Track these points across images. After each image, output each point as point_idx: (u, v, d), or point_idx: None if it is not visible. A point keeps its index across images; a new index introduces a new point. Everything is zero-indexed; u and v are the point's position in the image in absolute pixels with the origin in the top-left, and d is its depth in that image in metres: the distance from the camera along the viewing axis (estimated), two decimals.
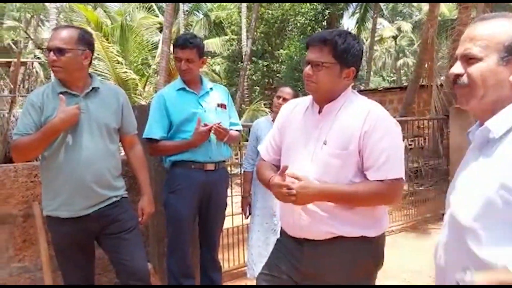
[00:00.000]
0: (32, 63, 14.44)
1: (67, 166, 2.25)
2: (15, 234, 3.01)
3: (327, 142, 1.75)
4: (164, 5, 16.80)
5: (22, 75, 13.50)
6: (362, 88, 18.65)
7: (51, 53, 2.21)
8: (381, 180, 1.70)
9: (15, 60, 7.50)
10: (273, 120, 3.35)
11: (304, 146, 1.81)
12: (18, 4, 19.78)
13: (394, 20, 35.18)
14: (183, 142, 2.86)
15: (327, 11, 18.29)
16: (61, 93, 2.27)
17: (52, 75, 14.06)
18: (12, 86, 6.22)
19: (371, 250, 1.80)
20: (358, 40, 1.82)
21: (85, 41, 2.29)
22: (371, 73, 28.10)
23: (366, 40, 26.01)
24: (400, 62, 36.73)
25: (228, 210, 3.35)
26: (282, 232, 1.94)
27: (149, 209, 2.54)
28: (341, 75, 1.77)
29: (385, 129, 1.72)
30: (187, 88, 2.96)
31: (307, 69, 1.78)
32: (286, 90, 3.50)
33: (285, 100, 3.29)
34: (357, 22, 23.13)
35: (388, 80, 38.31)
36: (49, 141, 2.23)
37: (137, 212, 2.55)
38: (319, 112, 1.83)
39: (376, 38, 27.95)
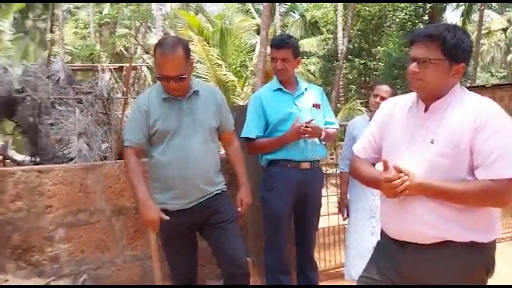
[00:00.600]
0: (141, 67, 15.61)
1: (176, 164, 2.43)
2: (128, 224, 3.30)
3: (435, 141, 1.69)
4: (261, 7, 17.16)
5: (132, 79, 14.63)
6: (468, 84, 17.40)
7: (171, 81, 2.34)
8: (492, 180, 1.61)
9: (127, 64, 8.19)
10: (370, 119, 3.28)
11: (407, 145, 1.76)
12: (129, 13, 21.46)
13: (504, 11, 32.29)
14: (277, 138, 2.92)
15: (429, 5, 17.34)
16: (165, 98, 2.44)
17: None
18: (124, 89, 6.82)
19: (482, 257, 1.70)
20: (468, 34, 1.73)
21: (188, 52, 2.42)
22: (478, 68, 26.11)
23: (472, 34, 24.20)
24: (511, 56, 33.67)
25: (323, 210, 3.35)
26: (383, 234, 1.90)
27: (247, 200, 2.66)
28: (450, 71, 1.70)
29: (497, 126, 1.63)
30: (283, 89, 3.01)
31: (413, 66, 1.72)
32: (384, 88, 3.40)
33: (382, 98, 3.21)
34: (462, 15, 21.65)
35: (497, 76, 35.32)
36: None
37: (236, 204, 2.67)
38: (425, 110, 1.77)
39: (483, 31, 25.93)
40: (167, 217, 2.40)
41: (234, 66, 15.48)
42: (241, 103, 13.14)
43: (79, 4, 23.92)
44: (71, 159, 5.31)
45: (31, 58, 18.10)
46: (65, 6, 22.23)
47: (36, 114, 5.39)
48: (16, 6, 20.98)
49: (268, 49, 11.86)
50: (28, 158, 6.57)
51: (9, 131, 9.17)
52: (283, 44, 2.94)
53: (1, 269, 2.95)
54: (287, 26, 23.00)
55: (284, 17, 23.62)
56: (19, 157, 7.04)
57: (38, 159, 5.63)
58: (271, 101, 2.98)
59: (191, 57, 2.48)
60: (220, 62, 14.13)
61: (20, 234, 3.01)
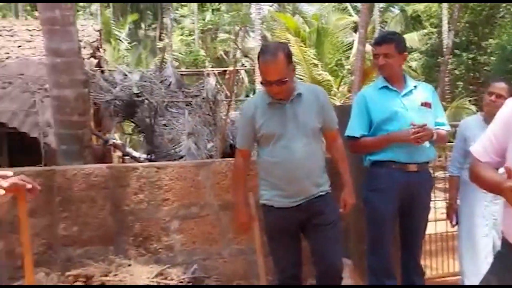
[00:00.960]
0: (239, 71, 16.20)
1: (282, 166, 2.53)
2: (234, 219, 3.48)
3: None
4: (359, 4, 16.81)
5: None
6: None
7: (274, 85, 2.45)
8: None
9: (230, 68, 8.61)
10: (485, 119, 3.09)
11: None
12: (229, 18, 22.34)
13: None
14: (382, 137, 2.86)
15: None
16: (270, 103, 2.55)
17: (258, 81, 15.38)
18: (227, 92, 7.16)
19: None
20: None
21: (289, 57, 2.50)
22: None
23: None
24: None
25: (430, 215, 3.21)
26: (505, 244, 1.76)
27: (350, 200, 2.65)
28: None
29: None
30: (390, 86, 2.93)
31: None
32: (500, 85, 3.10)
33: (499, 96, 2.98)
34: None
35: None
36: None
37: (339, 204, 2.68)
38: None
39: None
40: (257, 223, 2.53)
41: (330, 66, 15.37)
42: (337, 102, 13.00)
43: (184, 12, 25.41)
44: (181, 157, 5.72)
45: (143, 64, 19.66)
46: (172, 14, 23.73)
47: (152, 116, 5.90)
48: (131, 17, 22.95)
49: (367, 47, 11.67)
50: (143, 155, 7.19)
51: (127, 131, 10.12)
52: (385, 40, 2.90)
53: (125, 255, 3.29)
54: (386, 22, 22.23)
55: (383, 13, 22.85)
56: (135, 154, 7.74)
57: (153, 156, 6.15)
58: (376, 100, 2.93)
59: (292, 61, 2.55)
60: (316, 62, 14.14)
61: (141, 224, 3.33)
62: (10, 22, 10.48)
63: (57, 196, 3.20)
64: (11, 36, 9.26)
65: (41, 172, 3.22)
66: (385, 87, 2.94)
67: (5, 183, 2.11)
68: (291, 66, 2.51)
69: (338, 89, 14.72)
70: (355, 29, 16.41)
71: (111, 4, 24.94)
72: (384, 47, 2.87)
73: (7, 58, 7.96)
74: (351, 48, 16.18)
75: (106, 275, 3.04)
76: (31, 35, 9.25)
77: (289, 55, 2.50)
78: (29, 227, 2.16)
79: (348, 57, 16.09)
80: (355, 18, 18.09)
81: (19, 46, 8.68)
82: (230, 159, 3.66)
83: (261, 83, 2.53)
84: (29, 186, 2.10)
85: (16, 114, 4.97)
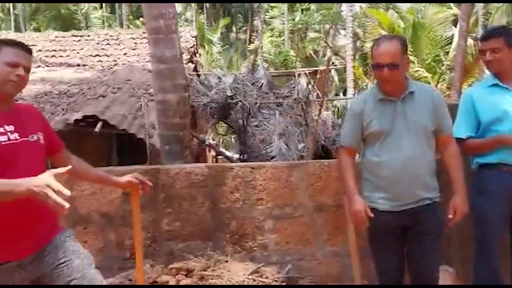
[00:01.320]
0: (330, 70, 16.03)
1: (388, 167, 2.43)
2: (328, 221, 3.48)
3: None
4: None
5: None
6: None
7: (385, 69, 2.35)
8: None
9: (320, 68, 8.59)
10: None
11: None
12: (319, 17, 22.22)
13: None
14: (491, 139, 2.68)
15: None
16: (381, 99, 2.47)
17: (348, 79, 15.09)
18: (318, 92, 7.15)
19: None
20: None
21: (404, 46, 2.42)
22: None
23: None
24: None
25: None
26: None
27: (462, 208, 2.48)
28: None
29: None
30: (500, 84, 2.73)
31: None
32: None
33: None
34: None
35: None
36: None
37: (448, 212, 2.51)
38: None
39: None
40: (371, 214, 2.43)
41: (427, 62, 14.62)
42: None
43: (274, 14, 25.75)
44: (272, 157, 5.83)
45: (234, 67, 20.28)
46: (262, 16, 24.16)
47: (245, 117, 6.08)
48: (223, 22, 23.82)
49: (469, 42, 10.90)
50: (235, 155, 7.44)
51: (220, 132, 10.54)
52: (491, 34, 2.72)
53: (223, 251, 3.44)
54: (490, 13, 20.60)
55: (486, 5, 21.20)
56: (228, 154, 8.04)
57: (245, 156, 6.34)
58: (484, 99, 2.75)
59: (407, 53, 2.45)
60: (412, 58, 13.53)
61: (237, 222, 3.46)
62: (116, 32, 11.41)
63: (161, 193, 3.44)
64: (118, 44, 10.08)
65: (147, 171, 3.48)
66: (495, 84, 2.75)
67: (122, 180, 2.32)
68: (405, 57, 2.41)
69: (436, 86, 13.94)
70: (455, 23, 15.42)
71: (204, 10, 26.04)
72: (491, 42, 2.69)
73: (115, 65, 8.69)
74: (450, 43, 15.26)
75: (205, 270, 3.20)
76: (135, 43, 9.99)
77: (404, 44, 2.42)
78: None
79: (447, 53, 15.18)
80: (455, 10, 17.00)
81: (125, 54, 9.42)
82: (324, 160, 3.67)
83: (372, 66, 2.43)
84: (140, 185, 2.29)
85: (125, 117, 5.42)
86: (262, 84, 6.82)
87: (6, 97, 1.96)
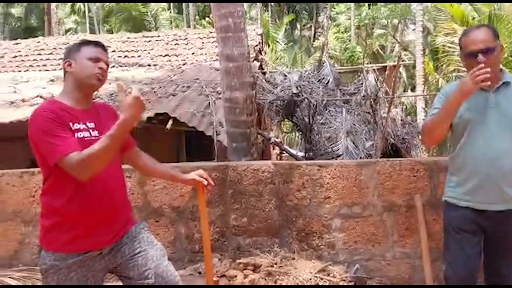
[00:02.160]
0: (400, 66, 15.52)
1: (473, 160, 2.30)
2: (399, 221, 3.37)
3: None
4: None
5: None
6: None
7: (479, 55, 2.21)
8: None
9: (391, 64, 8.34)
10: None
11: None
12: (387, 12, 21.54)
13: None
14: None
15: None
16: None
17: (417, 76, 14.49)
18: (387, 88, 6.93)
19: None
20: None
21: (495, 33, 2.29)
22: None
23: None
24: None
25: None
26: None
27: None
28: None
29: None
30: None
31: None
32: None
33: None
34: None
35: None
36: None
37: None
38: None
39: None
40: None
41: (504, 56, 13.70)
42: None
43: (340, 9, 25.31)
44: (339, 156, 5.74)
45: (299, 64, 20.18)
46: (328, 12, 23.86)
47: (311, 115, 6.04)
48: (287, 18, 23.80)
49: None
50: (300, 153, 7.41)
51: (284, 130, 10.54)
52: None
53: (289, 248, 3.45)
54: None
55: None
56: (293, 151, 8.03)
57: (311, 155, 6.29)
58: None
59: (499, 41, 2.30)
60: None
61: (304, 220, 3.45)
62: (184, 32, 11.75)
63: (229, 188, 3.50)
64: (186, 44, 10.38)
65: (216, 167, 3.56)
66: None
67: (187, 177, 2.37)
68: (498, 43, 2.28)
69: None
70: None
71: (269, 8, 26.14)
72: None
73: (183, 64, 8.96)
74: None
75: (272, 266, 3.22)
76: (202, 43, 10.24)
77: (494, 30, 2.31)
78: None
79: None
80: None
81: (193, 53, 9.69)
82: (395, 159, 3.55)
83: (465, 57, 2.30)
84: (205, 182, 2.33)
85: (194, 115, 5.58)
86: (329, 81, 6.73)
87: (89, 92, 2.07)
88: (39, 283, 3.11)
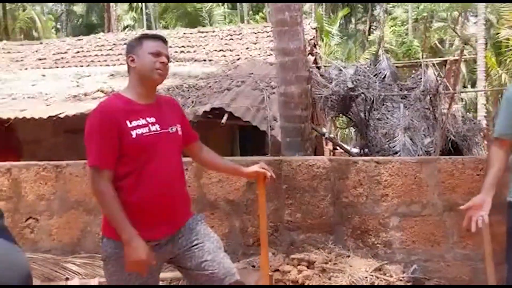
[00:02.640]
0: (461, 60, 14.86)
1: None
2: (460, 222, 3.21)
3: None
4: None
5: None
6: None
7: None
8: None
9: (449, 58, 7.98)
10: None
11: None
12: (446, 4, 20.62)
13: None
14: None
15: None
16: None
17: (479, 70, 13.80)
18: (447, 84, 6.64)
19: None
20: None
21: None
22: None
23: None
24: None
25: None
26: None
27: None
28: None
29: None
30: None
31: None
32: None
33: None
34: None
35: None
36: None
37: None
38: None
39: None
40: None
41: None
42: None
43: (397, 3, 24.54)
44: (396, 152, 5.56)
45: (353, 58, 19.80)
46: (384, 5, 23.20)
47: (367, 110, 5.90)
48: (342, 12, 23.37)
49: None
50: (354, 149, 7.27)
51: (338, 125, 10.39)
52: None
53: (344, 245, 3.39)
54: None
55: None
56: (347, 147, 7.89)
57: (366, 151, 6.15)
58: None
59: None
60: None
61: (360, 217, 3.38)
62: (238, 27, 11.82)
63: (283, 184, 3.49)
64: (240, 39, 10.44)
65: (270, 162, 3.55)
66: None
67: (249, 170, 2.39)
68: None
69: None
70: None
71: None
72: None
73: (238, 59, 9.02)
74: None
75: (326, 263, 3.18)
76: (256, 37, 10.26)
77: None
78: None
79: None
80: None
81: (247, 48, 9.72)
82: (458, 156, 3.41)
83: None
84: (268, 174, 2.34)
85: (249, 109, 5.60)
86: (385, 75, 6.53)
87: (152, 87, 2.11)
88: (100, 270, 3.25)
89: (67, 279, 3.28)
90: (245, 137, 7.33)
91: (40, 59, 10.76)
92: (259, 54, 9.20)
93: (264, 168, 2.35)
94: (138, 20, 27.21)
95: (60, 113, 5.93)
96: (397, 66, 7.73)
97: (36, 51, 11.34)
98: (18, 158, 6.78)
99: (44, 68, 10.08)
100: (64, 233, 3.83)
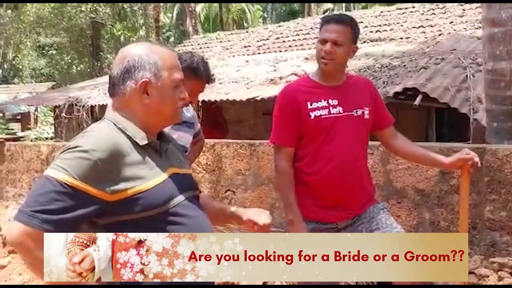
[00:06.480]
0: None
1: None
2: None
3: None
4: None
5: None
6: None
7: None
8: None
9: None
10: None
11: None
12: None
13: None
14: None
15: None
16: None
17: None
18: None
19: None
20: None
21: None
22: None
23: None
24: None
25: None
26: None
27: None
28: None
29: None
30: None
31: None
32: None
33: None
34: None
35: None
36: None
37: None
38: None
39: None
40: None
41: None
42: None
43: None
44: None
45: None
46: None
47: None
48: None
49: None
50: None
51: None
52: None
53: None
54: None
55: None
56: None
57: None
58: None
59: None
60: None
61: None
62: None
63: (485, 176, 3.04)
64: (443, 13, 9.47)
65: (471, 150, 3.11)
66: None
67: (452, 159, 2.06)
68: None
69: None
70: None
71: None
72: None
73: (439, 35, 8.20)
74: None
75: None
76: (463, 10, 9.15)
77: None
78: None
79: None
80: None
81: (451, 22, 8.75)
82: None
83: None
84: (476, 159, 2.01)
85: (447, 90, 5.04)
86: None
87: (327, 73, 2.05)
88: None
89: None
90: (442, 121, 6.67)
91: (245, 47, 11.74)
92: (465, 28, 8.18)
93: (469, 154, 2.03)
94: (337, 3, 27.21)
95: (257, 96, 6.34)
96: None
97: (243, 39, 12.40)
98: (223, 136, 7.58)
99: (248, 54, 10.96)
100: (256, 207, 4.10)
